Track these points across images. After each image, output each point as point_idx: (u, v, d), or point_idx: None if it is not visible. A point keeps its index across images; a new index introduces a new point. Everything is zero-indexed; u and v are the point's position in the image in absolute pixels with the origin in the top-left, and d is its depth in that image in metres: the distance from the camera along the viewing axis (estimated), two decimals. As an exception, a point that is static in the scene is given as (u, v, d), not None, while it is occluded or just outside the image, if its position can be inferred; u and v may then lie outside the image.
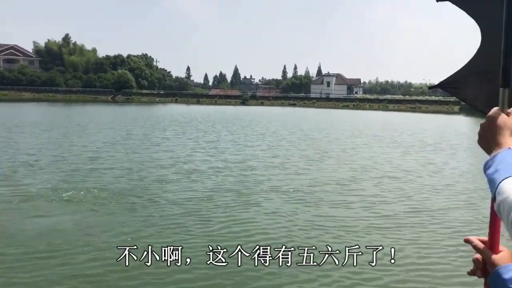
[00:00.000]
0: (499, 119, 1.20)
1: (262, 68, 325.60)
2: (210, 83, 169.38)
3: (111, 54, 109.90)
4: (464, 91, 3.14)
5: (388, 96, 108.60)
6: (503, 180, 1.04)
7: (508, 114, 1.22)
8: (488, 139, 1.18)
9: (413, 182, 13.64)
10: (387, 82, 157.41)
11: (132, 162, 15.83)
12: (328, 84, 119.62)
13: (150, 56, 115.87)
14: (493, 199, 1.07)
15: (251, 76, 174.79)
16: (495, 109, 1.24)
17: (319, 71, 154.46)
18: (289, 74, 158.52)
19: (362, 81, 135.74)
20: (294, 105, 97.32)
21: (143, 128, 30.31)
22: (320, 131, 31.22)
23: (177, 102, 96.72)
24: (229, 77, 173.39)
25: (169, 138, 24.58)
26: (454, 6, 2.39)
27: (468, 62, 3.34)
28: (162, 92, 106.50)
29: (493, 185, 1.06)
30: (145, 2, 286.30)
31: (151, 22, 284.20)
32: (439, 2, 2.65)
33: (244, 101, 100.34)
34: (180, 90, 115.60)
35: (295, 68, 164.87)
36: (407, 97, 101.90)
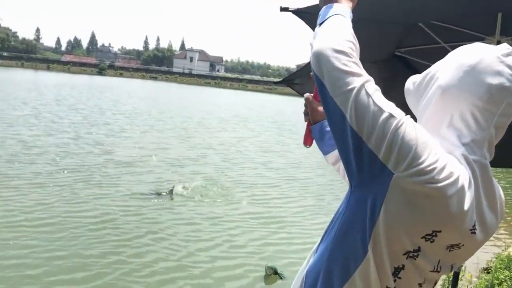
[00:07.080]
0: None
1: (122, 37, 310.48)
2: (63, 48, 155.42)
3: None
4: (303, 87, 3.76)
5: (247, 76, 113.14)
6: (335, 14, 1.17)
7: None
8: None
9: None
10: (247, 62, 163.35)
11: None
12: (191, 59, 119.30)
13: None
14: (320, 23, 1.17)
15: (109, 44, 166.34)
16: None
17: (182, 46, 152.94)
18: (152, 46, 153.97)
19: (224, 59, 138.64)
20: (155, 78, 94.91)
21: None
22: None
23: (23, 67, 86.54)
24: (85, 43, 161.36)
25: None
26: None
27: (306, 64, 3.93)
28: (5, 54, 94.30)
29: (324, 16, 1.18)
30: None
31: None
32: (282, 12, 3.01)
33: (101, 71, 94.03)
34: (28, 53, 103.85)
35: (158, 40, 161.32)
36: (265, 78, 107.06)
